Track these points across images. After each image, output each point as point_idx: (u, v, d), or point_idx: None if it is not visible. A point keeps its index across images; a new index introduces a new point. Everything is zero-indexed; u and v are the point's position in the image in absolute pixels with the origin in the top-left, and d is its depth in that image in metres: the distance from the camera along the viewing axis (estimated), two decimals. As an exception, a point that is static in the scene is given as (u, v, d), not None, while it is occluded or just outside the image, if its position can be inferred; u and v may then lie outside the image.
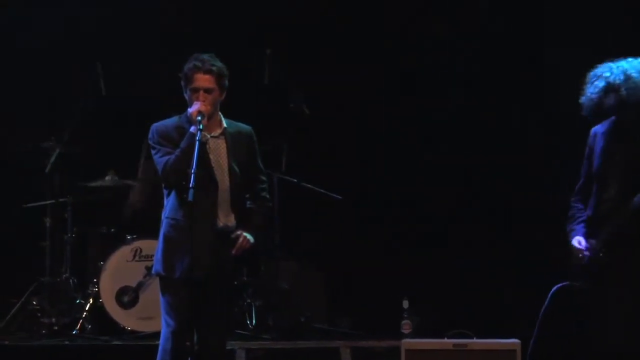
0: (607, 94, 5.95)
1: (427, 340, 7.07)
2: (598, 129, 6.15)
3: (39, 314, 8.44)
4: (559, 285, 6.30)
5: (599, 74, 6.04)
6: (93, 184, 8.73)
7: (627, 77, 5.91)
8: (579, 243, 6.04)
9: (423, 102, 9.26)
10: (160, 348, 5.92)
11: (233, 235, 5.97)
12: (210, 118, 5.91)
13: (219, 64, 5.97)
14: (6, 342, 7.88)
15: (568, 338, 6.46)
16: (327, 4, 9.32)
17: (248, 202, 6.17)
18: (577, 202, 6.21)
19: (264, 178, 6.21)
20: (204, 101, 5.88)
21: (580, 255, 6.02)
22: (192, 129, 5.81)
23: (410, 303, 8.09)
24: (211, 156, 5.94)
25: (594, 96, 6.00)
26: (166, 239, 5.96)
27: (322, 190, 8.79)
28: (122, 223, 8.75)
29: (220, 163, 5.96)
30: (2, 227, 9.01)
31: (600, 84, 5.98)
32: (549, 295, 6.37)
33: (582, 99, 6.08)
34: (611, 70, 5.99)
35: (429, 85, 9.29)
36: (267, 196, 6.21)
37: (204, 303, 5.88)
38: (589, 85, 6.06)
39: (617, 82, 5.93)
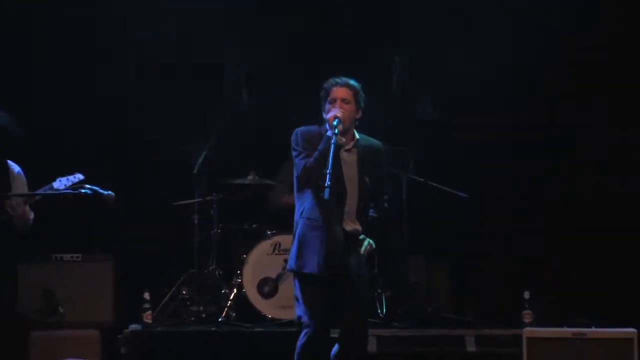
0: None
1: (548, 329, 7.15)
2: None
3: (189, 303, 8.74)
4: None
5: None
6: (236, 181, 8.93)
7: None
8: None
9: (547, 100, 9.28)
10: (299, 342, 6.11)
11: (361, 237, 6.21)
12: (345, 133, 6.14)
13: (356, 82, 6.25)
14: (159, 329, 8.13)
15: None
16: (458, 6, 9.30)
17: (371, 211, 6.44)
18: None
19: (385, 190, 6.45)
20: (340, 108, 6.12)
21: None
22: (329, 132, 6.05)
23: (531, 294, 8.01)
24: (343, 168, 6.12)
25: None
26: (301, 237, 6.15)
27: (448, 189, 8.77)
28: (267, 218, 8.99)
29: (351, 175, 6.16)
30: (156, 224, 9.26)
31: None
32: None
33: None
34: None
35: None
36: (387, 207, 6.49)
37: (342, 297, 6.06)
38: None
39: None
